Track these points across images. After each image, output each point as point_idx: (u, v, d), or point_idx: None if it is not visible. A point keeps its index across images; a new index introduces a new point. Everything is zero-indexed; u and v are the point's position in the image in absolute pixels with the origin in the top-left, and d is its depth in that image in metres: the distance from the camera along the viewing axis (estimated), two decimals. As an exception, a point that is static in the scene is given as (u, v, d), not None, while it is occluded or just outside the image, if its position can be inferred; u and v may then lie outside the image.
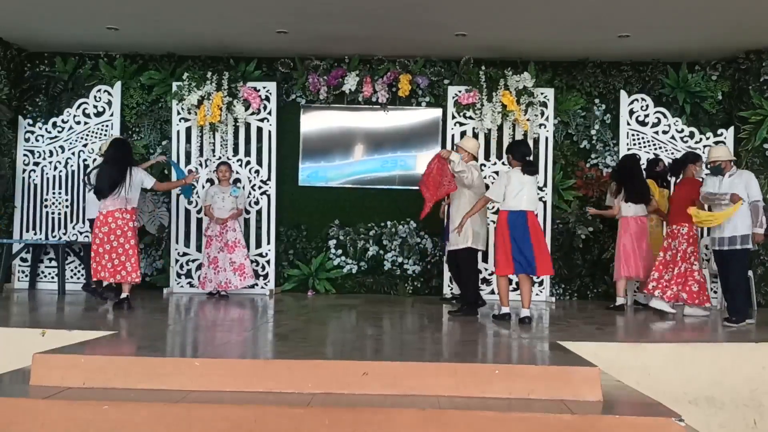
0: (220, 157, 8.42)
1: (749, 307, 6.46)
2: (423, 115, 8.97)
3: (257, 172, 8.55)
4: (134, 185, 6.57)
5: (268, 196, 8.54)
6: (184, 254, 8.49)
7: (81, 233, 8.71)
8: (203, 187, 8.44)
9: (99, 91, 8.77)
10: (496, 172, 8.30)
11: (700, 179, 6.85)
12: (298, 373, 3.97)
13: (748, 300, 6.51)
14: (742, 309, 6.26)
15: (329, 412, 3.60)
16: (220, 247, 7.95)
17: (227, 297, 8.00)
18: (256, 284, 8.41)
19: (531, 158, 6.40)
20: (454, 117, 8.39)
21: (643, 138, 8.50)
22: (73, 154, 8.76)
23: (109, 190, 6.48)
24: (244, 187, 8.45)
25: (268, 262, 8.53)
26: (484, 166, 8.34)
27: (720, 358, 5.05)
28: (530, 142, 8.27)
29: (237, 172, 8.51)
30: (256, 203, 8.55)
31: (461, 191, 6.48)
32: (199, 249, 8.38)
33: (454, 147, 6.90)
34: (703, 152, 8.38)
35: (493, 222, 7.90)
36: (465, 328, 5.95)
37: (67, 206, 8.75)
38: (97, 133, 8.73)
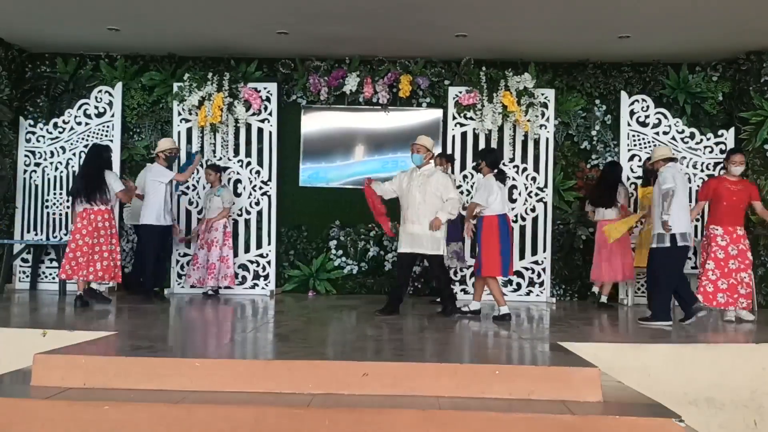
0: (208, 160, 8.45)
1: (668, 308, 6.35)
2: (424, 115, 8.98)
3: (258, 172, 8.56)
4: (112, 188, 7.02)
5: (269, 197, 8.55)
6: (185, 255, 8.50)
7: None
8: (203, 188, 8.49)
9: (100, 91, 8.77)
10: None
11: (732, 177, 6.69)
12: (298, 373, 3.98)
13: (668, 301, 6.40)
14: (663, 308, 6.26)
15: (329, 413, 3.60)
16: (202, 245, 8.10)
17: (217, 294, 8.11)
18: (256, 284, 8.43)
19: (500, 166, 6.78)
20: (454, 118, 8.40)
21: (643, 139, 8.49)
22: (74, 154, 8.76)
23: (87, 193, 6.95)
24: (244, 188, 8.48)
25: (268, 262, 8.53)
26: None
27: (720, 359, 5.05)
28: (530, 143, 8.32)
29: (237, 173, 8.53)
30: (257, 204, 8.55)
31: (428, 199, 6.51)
32: (200, 250, 8.39)
33: (414, 146, 6.67)
34: (704, 153, 8.43)
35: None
36: (465, 328, 5.96)
37: (67, 207, 8.75)
38: (98, 134, 8.73)
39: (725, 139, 8.44)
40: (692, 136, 8.48)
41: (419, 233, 6.50)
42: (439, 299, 7.14)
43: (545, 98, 8.36)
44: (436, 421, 3.57)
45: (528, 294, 8.28)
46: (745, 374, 4.99)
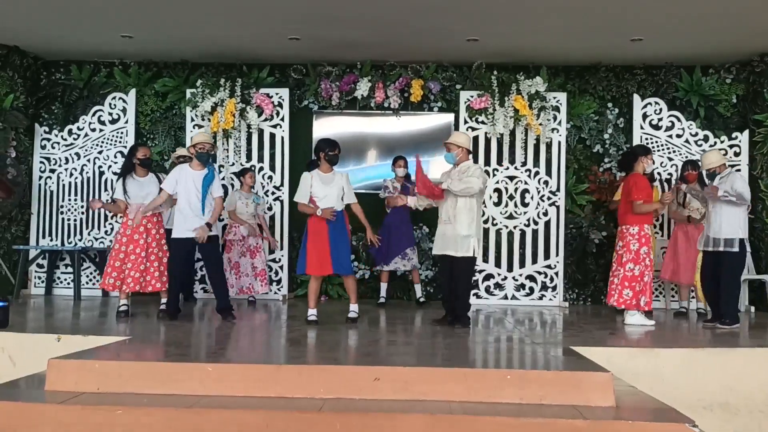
0: (252, 167, 8.44)
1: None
2: (435, 120, 8.98)
3: (270, 178, 8.59)
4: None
5: (281, 202, 8.58)
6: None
7: (96, 239, 8.79)
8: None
9: (114, 98, 8.85)
10: (509, 177, 8.31)
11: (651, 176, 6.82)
12: (309, 378, 3.99)
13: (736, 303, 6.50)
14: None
15: (340, 417, 3.61)
16: (242, 251, 7.92)
17: (254, 302, 8.02)
18: (269, 289, 8.46)
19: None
20: (466, 122, 8.39)
21: (657, 142, 8.45)
22: (88, 161, 8.85)
23: None
24: (257, 193, 8.51)
25: (281, 267, 8.56)
26: (497, 171, 8.34)
27: (734, 364, 5.01)
28: (542, 147, 8.30)
29: (251, 179, 8.58)
30: (270, 209, 8.58)
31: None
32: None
33: (445, 145, 6.34)
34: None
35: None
36: (476, 333, 5.95)
37: (82, 213, 8.84)
38: (112, 140, 8.82)
39: (739, 141, 8.38)
40: (706, 138, 8.43)
41: (450, 234, 6.14)
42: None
43: (557, 102, 8.34)
44: (447, 425, 3.57)
45: (540, 298, 8.25)
46: (760, 379, 4.95)
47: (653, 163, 6.80)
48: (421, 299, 8.16)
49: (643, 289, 6.41)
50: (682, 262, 7.47)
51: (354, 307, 6.40)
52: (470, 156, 6.40)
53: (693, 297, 7.83)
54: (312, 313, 6.28)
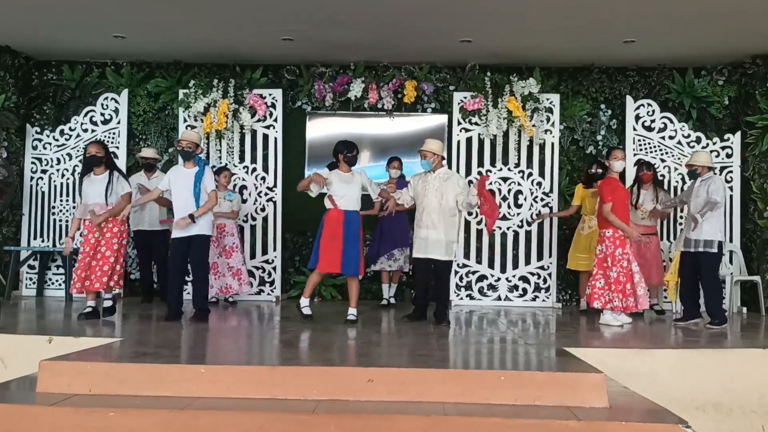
0: (226, 164, 8.41)
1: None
2: (428, 121, 8.98)
3: (263, 178, 8.57)
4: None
5: (274, 203, 8.56)
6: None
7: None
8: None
9: (106, 98, 8.81)
10: (502, 179, 8.32)
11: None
12: (303, 379, 3.98)
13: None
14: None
15: (335, 419, 3.60)
16: (218, 252, 7.87)
17: (235, 303, 7.98)
18: (261, 290, 8.43)
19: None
20: (459, 123, 8.40)
21: (649, 143, 8.48)
22: (80, 161, 8.77)
23: None
24: (250, 194, 8.50)
25: (274, 268, 8.53)
26: (490, 172, 8.35)
27: (728, 364, 5.03)
28: (536, 148, 8.31)
29: (243, 179, 8.54)
30: (262, 210, 8.56)
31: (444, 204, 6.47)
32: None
33: (420, 152, 6.59)
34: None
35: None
36: (470, 334, 5.95)
37: (74, 213, 8.78)
38: (104, 140, 8.76)
39: (731, 143, 8.41)
40: (698, 140, 8.45)
41: (434, 238, 6.39)
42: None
43: (550, 103, 8.35)
44: (442, 427, 3.56)
45: (534, 299, 8.26)
46: (754, 379, 4.97)
47: (623, 160, 6.76)
48: (384, 302, 8.11)
49: (623, 290, 6.42)
50: (649, 263, 7.43)
51: (353, 311, 6.44)
52: (444, 161, 6.69)
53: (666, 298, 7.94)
54: (305, 303, 6.40)
